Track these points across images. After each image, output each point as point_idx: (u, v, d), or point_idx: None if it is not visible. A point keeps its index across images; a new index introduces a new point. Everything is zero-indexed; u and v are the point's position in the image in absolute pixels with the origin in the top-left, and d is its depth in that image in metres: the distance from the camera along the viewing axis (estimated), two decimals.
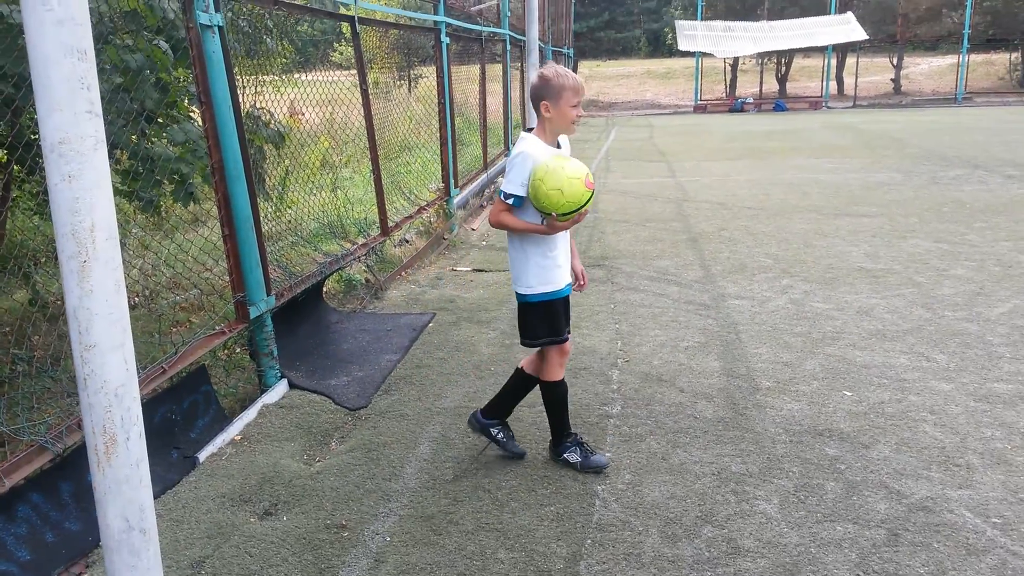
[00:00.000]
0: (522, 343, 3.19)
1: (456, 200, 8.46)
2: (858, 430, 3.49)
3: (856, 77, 30.07)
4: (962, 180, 10.32)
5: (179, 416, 3.52)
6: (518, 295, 3.13)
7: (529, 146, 2.98)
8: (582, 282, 3.36)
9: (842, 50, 31.91)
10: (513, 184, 2.96)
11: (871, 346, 4.48)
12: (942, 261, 6.28)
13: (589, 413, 3.75)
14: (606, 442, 3.46)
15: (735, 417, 3.66)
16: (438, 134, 8.18)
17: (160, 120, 4.53)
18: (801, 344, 4.55)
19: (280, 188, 6.09)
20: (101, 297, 1.44)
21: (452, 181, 8.25)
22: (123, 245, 5.14)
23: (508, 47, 12.69)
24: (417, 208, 7.44)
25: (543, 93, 2.94)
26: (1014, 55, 33.91)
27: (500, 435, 3.36)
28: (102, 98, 3.76)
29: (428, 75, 9.21)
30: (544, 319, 3.10)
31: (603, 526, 2.84)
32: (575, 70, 32.96)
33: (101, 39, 3.90)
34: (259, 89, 5.66)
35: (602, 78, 40.90)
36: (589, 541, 2.75)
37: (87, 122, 1.42)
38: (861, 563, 2.58)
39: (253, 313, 3.87)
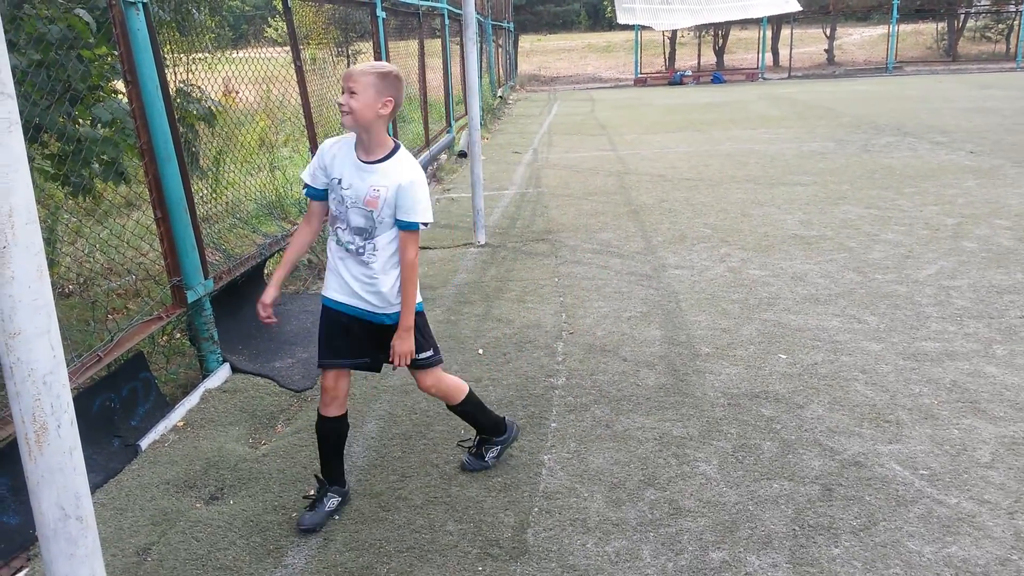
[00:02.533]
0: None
1: None
2: (793, 391, 3.61)
3: (791, 48, 30.58)
4: (892, 147, 10.62)
5: (118, 404, 3.45)
6: (394, 314, 2.72)
7: (330, 142, 2.71)
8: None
9: (777, 22, 32.39)
10: (305, 173, 2.72)
11: (805, 310, 4.62)
12: (873, 226, 6.48)
13: (535, 385, 3.80)
14: (552, 413, 3.51)
15: (676, 383, 3.75)
16: None
17: (85, 100, 4.38)
18: (738, 310, 4.66)
19: (215, 169, 5.96)
20: (23, 283, 1.40)
21: None
22: (54, 232, 4.99)
23: (447, 21, 12.57)
24: None
25: None
26: (941, 25, 34.87)
27: (496, 450, 3.12)
28: (23, 75, 3.61)
29: (367, 51, 9.07)
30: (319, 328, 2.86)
31: (549, 494, 2.89)
32: (516, 45, 32.77)
33: (16, 8, 3.75)
34: (190, 67, 5.51)
35: (543, 52, 40.82)
36: (536, 509, 2.80)
37: None
38: (797, 518, 2.68)
39: (191, 297, 3.80)
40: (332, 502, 2.84)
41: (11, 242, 1.36)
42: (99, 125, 4.38)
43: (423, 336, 2.80)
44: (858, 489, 2.83)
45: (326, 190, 2.69)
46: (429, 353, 2.81)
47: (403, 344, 2.67)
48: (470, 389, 2.99)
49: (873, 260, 5.55)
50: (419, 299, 2.78)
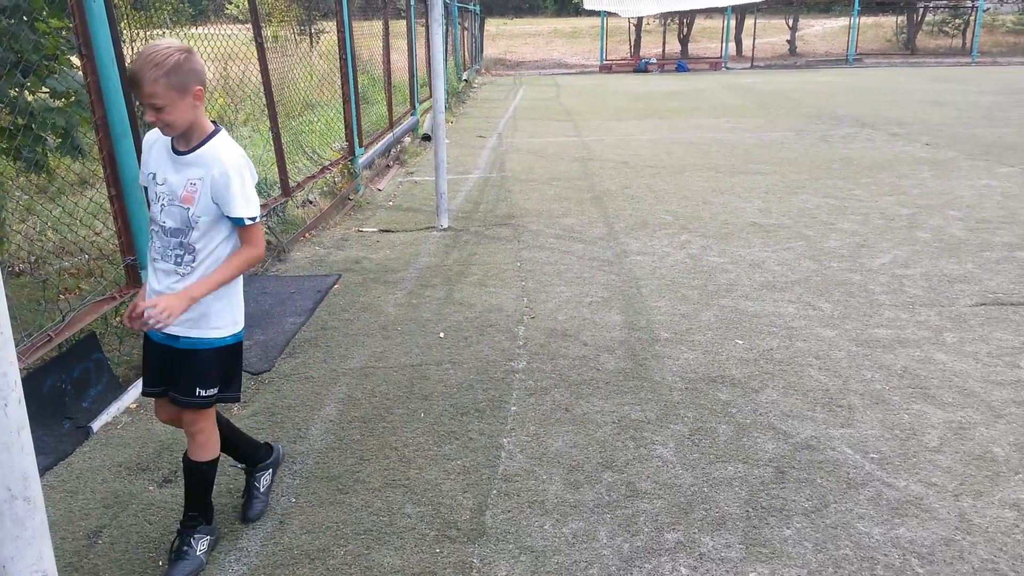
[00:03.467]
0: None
1: (361, 160, 8.31)
2: (748, 376, 3.67)
3: (754, 39, 30.88)
4: (850, 138, 10.80)
5: (69, 385, 3.38)
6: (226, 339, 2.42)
7: (151, 132, 2.36)
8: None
9: (741, 12, 32.67)
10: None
11: (762, 296, 4.69)
12: (829, 216, 6.59)
13: (496, 369, 3.80)
14: (512, 396, 3.52)
15: (635, 368, 3.78)
16: (341, 91, 7.99)
17: (38, 72, 4.26)
18: (697, 296, 4.72)
19: None
20: None
21: (356, 140, 8.09)
22: (3, 209, 4.85)
23: (412, 2, 12.43)
24: (320, 168, 7.28)
25: None
26: (900, 19, 35.47)
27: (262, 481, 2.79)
28: None
29: (331, 30, 8.95)
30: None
31: (508, 477, 2.91)
32: (481, 28, 32.55)
33: None
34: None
35: (509, 36, 40.65)
36: (495, 492, 2.82)
37: None
38: (750, 500, 2.73)
39: (144, 277, 3.73)
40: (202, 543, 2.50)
41: None
42: (52, 97, 4.25)
43: (224, 372, 2.43)
44: (810, 472, 2.89)
45: None
46: (214, 391, 2.42)
47: (171, 301, 2.17)
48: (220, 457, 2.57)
49: (829, 248, 5.65)
50: (240, 327, 2.45)
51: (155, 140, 2.33)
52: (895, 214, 6.59)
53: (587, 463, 2.98)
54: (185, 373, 2.38)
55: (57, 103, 4.25)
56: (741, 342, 4.06)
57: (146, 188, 2.38)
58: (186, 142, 2.27)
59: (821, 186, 7.75)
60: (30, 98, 4.12)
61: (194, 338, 2.36)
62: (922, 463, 2.94)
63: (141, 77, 2.11)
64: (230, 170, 2.24)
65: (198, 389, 2.38)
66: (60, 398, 3.32)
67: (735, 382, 3.61)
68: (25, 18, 3.87)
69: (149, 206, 2.36)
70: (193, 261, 2.30)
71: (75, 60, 4.46)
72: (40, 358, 3.25)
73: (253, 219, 2.29)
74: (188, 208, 2.26)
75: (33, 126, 4.05)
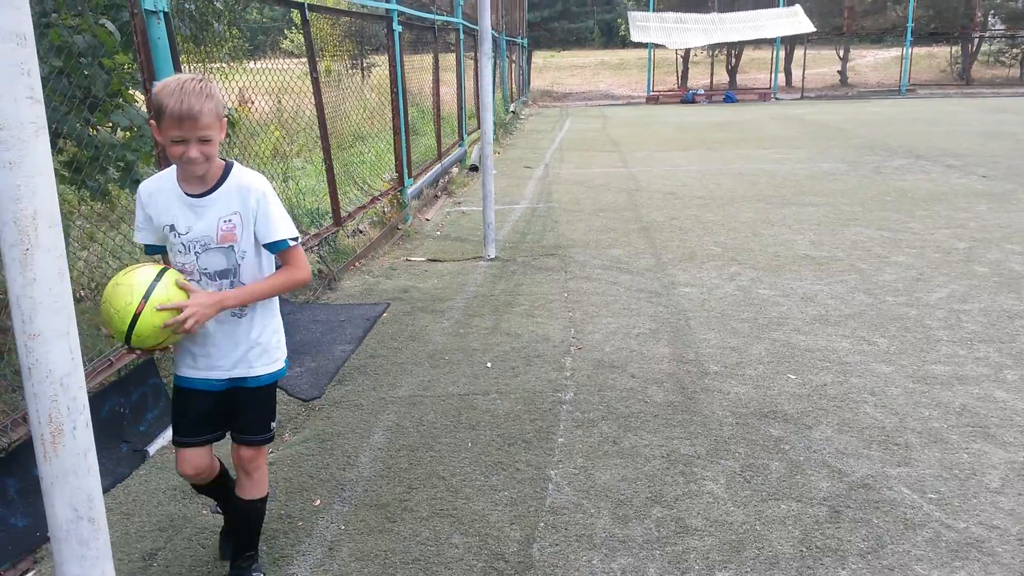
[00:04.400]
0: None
1: (410, 190, 8.44)
2: (802, 412, 3.60)
3: (804, 69, 30.65)
4: (905, 170, 10.61)
5: (128, 409, 3.47)
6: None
7: (147, 183, 2.26)
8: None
9: (790, 42, 32.50)
10: (136, 230, 2.29)
11: (814, 331, 4.61)
12: (884, 248, 6.47)
13: (543, 400, 3.80)
14: (559, 428, 3.51)
15: (684, 401, 3.74)
16: (391, 123, 8.14)
17: (104, 107, 4.43)
18: (748, 329, 4.66)
19: None
20: (44, 285, 1.42)
21: (406, 171, 8.22)
22: (68, 237, 5.03)
23: (462, 36, 12.66)
24: (371, 198, 7.40)
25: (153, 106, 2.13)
26: (955, 48, 34.89)
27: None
28: (45, 82, 3.66)
29: (382, 64, 9.15)
30: (172, 406, 2.45)
31: (556, 509, 2.89)
32: (529, 61, 32.89)
33: (43, 18, 3.80)
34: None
35: (556, 68, 41.02)
36: (542, 524, 2.80)
37: (27, 108, 1.39)
38: (804, 539, 2.67)
39: None
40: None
41: (34, 244, 1.39)
42: (117, 131, 4.42)
43: (271, 409, 2.43)
44: (866, 512, 2.82)
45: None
46: (275, 423, 2.46)
47: (202, 300, 2.12)
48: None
49: (884, 282, 5.54)
50: (284, 363, 2.44)
51: (155, 190, 2.21)
52: (952, 247, 6.44)
53: (636, 497, 2.95)
54: (255, 411, 2.37)
55: (121, 136, 4.42)
56: (793, 377, 3.99)
57: (149, 245, 2.28)
58: (202, 182, 2.17)
59: (875, 218, 7.63)
60: (98, 134, 4.28)
61: (262, 375, 2.35)
62: (983, 504, 2.84)
63: (198, 110, 2.00)
64: (267, 195, 2.20)
65: (270, 424, 2.41)
66: (118, 422, 3.40)
67: (788, 418, 3.55)
68: (95, 56, 4.05)
69: (163, 258, 2.27)
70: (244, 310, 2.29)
71: (138, 95, 4.64)
72: (100, 382, 3.35)
73: (296, 239, 2.25)
74: (232, 246, 2.19)
75: (98, 159, 4.20)
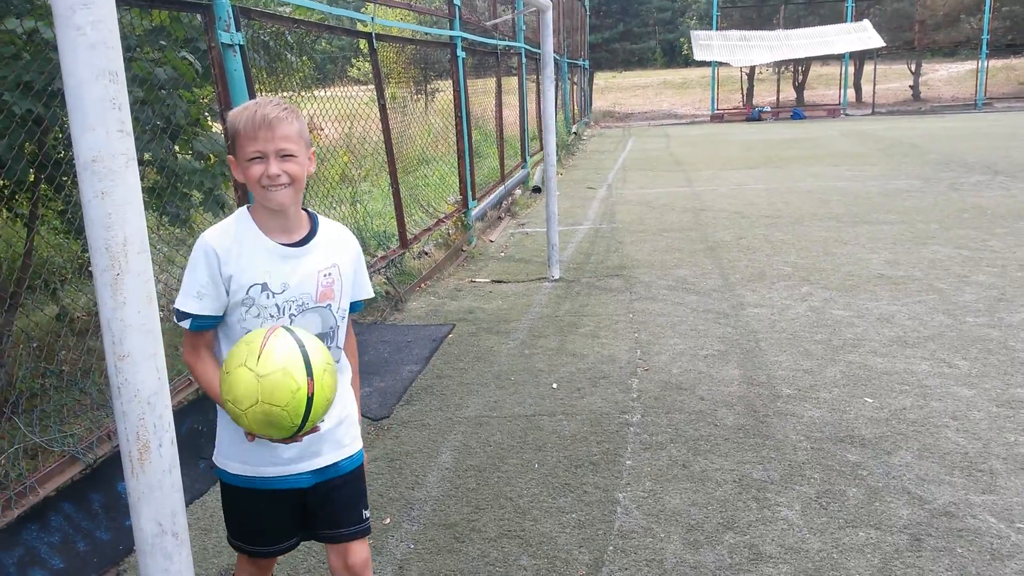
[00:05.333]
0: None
1: (474, 212, 8.52)
2: (880, 436, 3.48)
3: (874, 84, 29.95)
4: (983, 186, 10.24)
5: (205, 427, 3.57)
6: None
7: (215, 235, 1.81)
8: None
9: (859, 57, 31.81)
10: (184, 295, 1.81)
11: (892, 353, 4.47)
12: (963, 267, 6.24)
13: (609, 422, 3.77)
14: (627, 450, 3.47)
15: (756, 424, 3.66)
16: (455, 147, 8.25)
17: (185, 137, 4.63)
18: (821, 351, 4.54)
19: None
20: (133, 308, 1.48)
21: (470, 193, 8.31)
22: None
23: (524, 60, 12.78)
24: (435, 220, 7.50)
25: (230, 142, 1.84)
26: None
27: None
28: (132, 114, 3.85)
29: (445, 89, 9.30)
30: (232, 510, 2.04)
31: (625, 533, 2.85)
32: (591, 82, 32.97)
33: (128, 52, 4.00)
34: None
35: (618, 89, 41.01)
36: (611, 548, 2.77)
37: (118, 141, 1.47)
38: (884, 568, 2.57)
39: None
40: None
41: (124, 269, 1.45)
42: (196, 159, 4.61)
43: (365, 490, 2.09)
44: (949, 540, 2.70)
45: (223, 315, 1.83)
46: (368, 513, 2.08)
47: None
48: None
49: (964, 302, 5.34)
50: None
51: (231, 242, 1.81)
52: None
53: (707, 523, 2.89)
54: (351, 498, 2.02)
55: (200, 164, 4.60)
56: (871, 400, 3.86)
57: (201, 319, 1.82)
58: (291, 229, 1.87)
59: (952, 236, 7.37)
60: (179, 161, 4.47)
61: (353, 455, 2.02)
62: None
63: (274, 117, 1.75)
64: (358, 244, 2.01)
65: (364, 511, 2.05)
66: (196, 439, 3.51)
67: (865, 442, 3.44)
68: (172, 88, 4.24)
69: (247, 328, 1.83)
70: (338, 359, 1.96)
71: (216, 126, 4.83)
72: (179, 401, 3.46)
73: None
74: (329, 305, 1.89)
75: (179, 185, 4.38)
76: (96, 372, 3.66)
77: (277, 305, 1.83)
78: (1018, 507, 2.89)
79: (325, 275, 1.88)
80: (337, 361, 1.92)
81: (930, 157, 13.63)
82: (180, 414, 3.45)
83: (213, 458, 2.01)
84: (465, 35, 8.31)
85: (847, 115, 27.50)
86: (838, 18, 29.59)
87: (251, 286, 1.80)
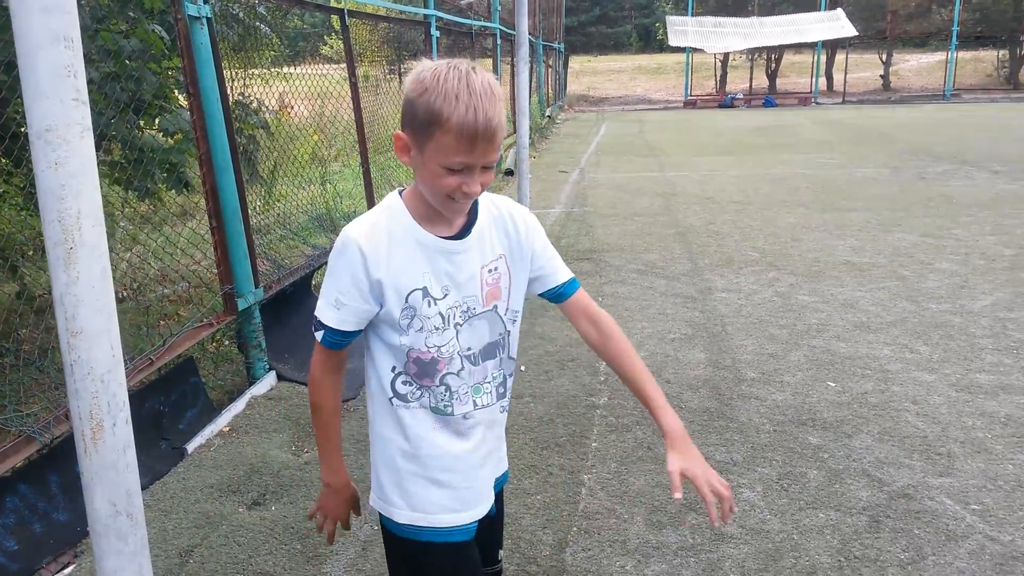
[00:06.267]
0: None
1: None
2: (841, 420, 3.54)
3: (845, 73, 30.21)
4: (949, 175, 10.39)
5: (167, 407, 3.53)
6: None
7: (362, 230, 1.45)
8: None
9: (832, 46, 32.05)
10: (323, 302, 1.49)
11: (855, 338, 4.53)
12: (927, 255, 6.33)
13: (576, 404, 3.78)
14: (593, 432, 3.49)
15: (720, 407, 3.70)
16: None
17: (150, 111, 4.53)
18: (786, 336, 4.59)
19: (269, 182, 6.09)
20: (87, 283, 1.45)
21: None
22: (112, 238, 5.14)
23: (499, 41, 12.70)
24: None
25: (404, 113, 1.41)
26: (1002, 52, 34.12)
27: None
28: (97, 86, 3.75)
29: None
30: (407, 567, 1.63)
31: (589, 514, 2.87)
32: (565, 66, 32.86)
33: (95, 23, 3.90)
34: (248, 82, 5.65)
35: (593, 73, 40.96)
36: (575, 529, 2.78)
37: (73, 110, 1.42)
38: (842, 549, 2.61)
39: (241, 305, 3.88)
40: None
41: (78, 243, 1.41)
42: (163, 135, 4.52)
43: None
44: (907, 522, 2.76)
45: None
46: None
47: (706, 468, 1.51)
48: None
49: (927, 289, 5.42)
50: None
51: (382, 240, 1.44)
52: (997, 254, 6.28)
53: (670, 504, 2.91)
54: (495, 537, 1.79)
55: (168, 141, 4.52)
56: (833, 384, 3.92)
57: (339, 335, 1.50)
58: (454, 221, 1.47)
59: (918, 224, 7.47)
60: (144, 137, 4.38)
61: (507, 468, 1.74)
62: None
63: (496, 125, 1.34)
64: (532, 218, 1.57)
65: (500, 551, 1.83)
66: (158, 420, 3.46)
67: (827, 426, 3.48)
68: (144, 60, 4.14)
69: (402, 344, 1.47)
70: (511, 372, 1.60)
71: (183, 100, 4.74)
72: (140, 381, 3.41)
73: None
74: (495, 307, 1.51)
75: (143, 161, 4.30)
76: (55, 351, 3.60)
77: (441, 314, 1.45)
78: (974, 489, 2.95)
79: (490, 270, 1.48)
80: (510, 375, 1.58)
81: (898, 146, 13.80)
82: (141, 394, 3.40)
83: (371, 501, 1.64)
84: (440, 14, 8.23)
85: (818, 103, 27.73)
86: (812, 6, 29.77)
87: (410, 292, 1.44)
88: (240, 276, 3.88)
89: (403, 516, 1.56)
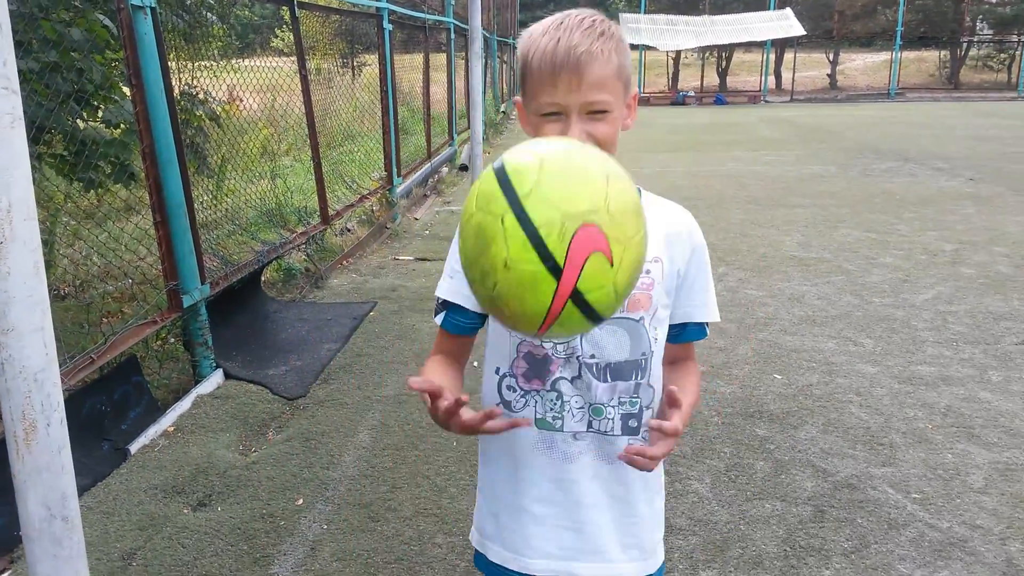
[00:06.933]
0: None
1: (399, 189, 8.41)
2: (787, 412, 3.60)
3: (794, 72, 30.76)
4: (893, 172, 10.66)
5: (109, 407, 3.43)
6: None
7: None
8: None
9: (780, 45, 32.60)
10: (444, 276, 1.37)
11: (801, 331, 4.62)
12: (871, 250, 6.49)
13: None
14: None
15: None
16: (381, 122, 8.11)
17: (95, 102, 4.41)
18: (735, 330, 4.66)
19: (217, 175, 5.97)
20: (19, 279, 1.40)
21: (395, 170, 8.19)
22: (53, 234, 4.99)
23: (452, 36, 12.64)
24: (359, 197, 7.37)
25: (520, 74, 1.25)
26: (944, 53, 35.10)
27: None
28: (40, 76, 3.62)
29: (374, 63, 9.12)
30: None
31: None
32: None
33: (40, 11, 3.77)
34: (196, 73, 5.54)
35: None
36: None
37: (3, 99, 1.38)
38: (788, 539, 2.66)
39: (186, 302, 3.80)
40: None
41: (8, 237, 1.36)
42: (108, 127, 4.40)
43: None
44: (850, 511, 2.82)
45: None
46: None
47: (662, 447, 1.14)
48: None
49: (871, 283, 5.55)
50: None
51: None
52: (939, 249, 6.47)
53: None
54: None
55: (112, 133, 4.39)
56: (780, 377, 3.99)
57: (457, 314, 1.36)
58: None
59: (862, 220, 7.65)
60: (87, 129, 4.26)
61: (653, 573, 1.43)
62: (966, 504, 2.85)
63: (584, 53, 1.13)
64: (705, 248, 1.37)
65: None
66: (99, 420, 3.37)
67: (773, 417, 3.55)
68: (82, 53, 4.02)
69: (507, 341, 1.31)
70: (650, 404, 1.30)
71: (127, 91, 4.62)
72: (81, 380, 3.31)
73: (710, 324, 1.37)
74: (643, 318, 1.26)
75: (84, 153, 4.17)
76: None
77: None
78: (915, 478, 3.03)
79: (643, 272, 1.15)
80: (647, 407, 1.29)
81: (844, 144, 14.10)
82: (81, 394, 3.31)
83: (470, 535, 1.45)
84: (392, 7, 8.15)
85: (767, 101, 28.21)
86: (761, 5, 30.22)
87: None
88: (185, 272, 3.79)
89: (494, 554, 1.36)
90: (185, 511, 2.91)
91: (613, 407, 1.28)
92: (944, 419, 3.51)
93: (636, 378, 1.28)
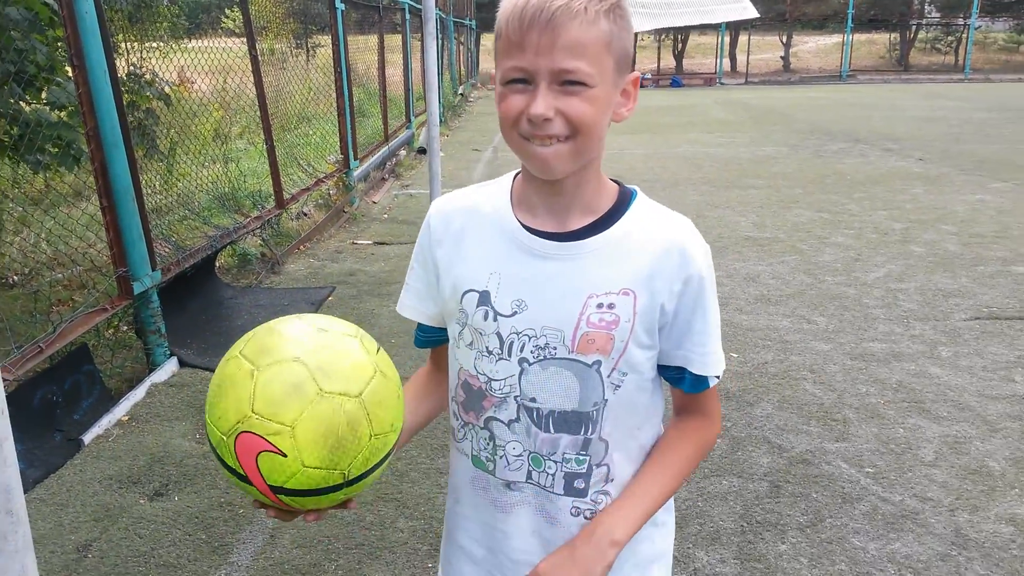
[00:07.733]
0: None
1: (356, 173, 8.31)
2: (743, 389, 3.66)
3: (748, 54, 31.06)
4: (844, 153, 10.84)
5: (60, 397, 3.35)
6: None
7: (446, 200, 1.24)
8: None
9: (735, 28, 32.87)
10: (403, 288, 1.27)
11: (756, 310, 4.69)
12: (823, 230, 6.60)
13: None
14: None
15: None
16: (336, 104, 8.00)
17: (37, 84, 4.26)
18: None
19: (168, 159, 5.83)
20: None
21: (352, 153, 8.09)
22: (0, 219, 4.84)
23: (408, 16, 12.49)
24: (315, 180, 7.27)
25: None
26: (893, 35, 35.75)
27: None
28: None
29: (328, 44, 8.97)
30: None
31: None
32: (477, 43, 32.63)
33: None
34: (145, 55, 5.39)
35: None
36: None
37: None
38: (745, 514, 2.71)
39: (137, 289, 3.71)
40: None
41: None
42: (52, 109, 4.27)
43: None
44: (805, 486, 2.88)
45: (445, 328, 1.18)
46: None
47: (582, 561, 1.04)
48: None
49: (823, 262, 5.65)
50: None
51: (458, 214, 1.18)
52: (889, 228, 6.61)
53: None
54: None
55: (57, 115, 4.26)
56: (735, 355, 4.04)
57: (422, 330, 1.25)
58: (575, 209, 1.10)
59: (815, 200, 7.78)
60: (30, 111, 4.12)
61: None
62: (917, 477, 2.92)
63: (557, 10, 0.93)
64: (707, 278, 1.12)
65: None
66: (51, 410, 3.29)
67: (729, 395, 3.60)
68: (22, 32, 3.88)
69: (457, 357, 1.16)
70: (607, 478, 1.12)
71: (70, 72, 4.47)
72: (31, 370, 3.22)
73: (718, 377, 1.15)
74: (598, 363, 1.06)
75: (26, 136, 4.04)
76: None
77: (499, 335, 1.07)
78: (867, 453, 3.10)
79: (601, 305, 1.04)
80: (598, 466, 1.11)
81: (797, 125, 14.31)
82: (32, 384, 3.22)
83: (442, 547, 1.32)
84: None
85: (722, 84, 28.47)
86: None
87: (466, 292, 1.09)
88: (135, 258, 3.70)
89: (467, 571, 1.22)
90: (141, 501, 2.86)
91: (556, 462, 1.10)
92: (896, 394, 3.60)
93: (585, 432, 1.08)
